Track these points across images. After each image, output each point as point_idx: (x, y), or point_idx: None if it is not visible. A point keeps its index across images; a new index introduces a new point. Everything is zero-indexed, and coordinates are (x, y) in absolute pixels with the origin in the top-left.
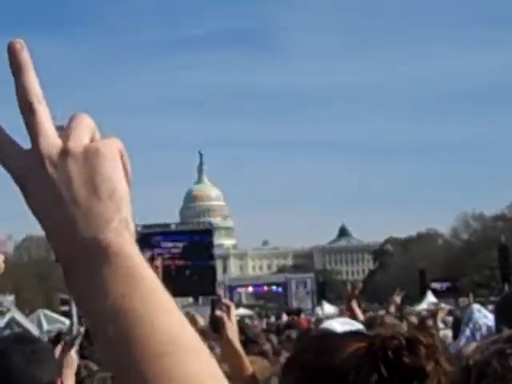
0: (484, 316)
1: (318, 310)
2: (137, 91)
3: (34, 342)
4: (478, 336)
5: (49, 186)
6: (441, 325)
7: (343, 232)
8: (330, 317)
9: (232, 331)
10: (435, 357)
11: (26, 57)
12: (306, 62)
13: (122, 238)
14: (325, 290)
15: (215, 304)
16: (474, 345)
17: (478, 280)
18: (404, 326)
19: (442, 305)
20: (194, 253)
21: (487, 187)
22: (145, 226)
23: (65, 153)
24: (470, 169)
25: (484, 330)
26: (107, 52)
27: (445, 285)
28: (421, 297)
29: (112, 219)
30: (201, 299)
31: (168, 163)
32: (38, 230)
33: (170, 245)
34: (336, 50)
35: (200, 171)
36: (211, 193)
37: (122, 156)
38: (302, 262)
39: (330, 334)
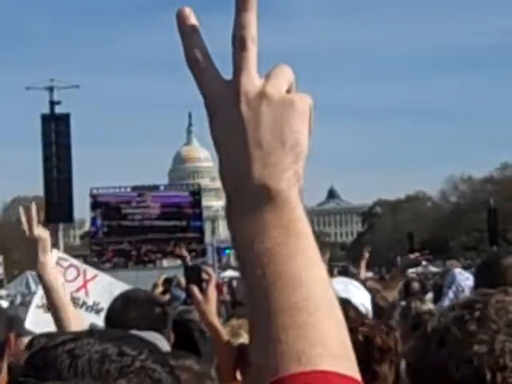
0: (466, 278)
1: None
2: (126, 51)
3: None
4: (461, 298)
5: (237, 120)
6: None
7: (332, 194)
8: None
9: (212, 301)
10: (389, 358)
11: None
12: (297, 24)
13: (292, 190)
14: None
15: (190, 271)
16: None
17: (467, 243)
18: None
19: (430, 267)
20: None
21: (476, 150)
22: (134, 188)
23: (262, 95)
24: (459, 131)
25: (467, 291)
26: (96, 10)
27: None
28: None
29: (288, 169)
30: (189, 260)
31: (157, 124)
32: (26, 191)
33: (158, 205)
34: (326, 12)
35: (189, 132)
36: (200, 154)
37: (310, 114)
38: None
39: None
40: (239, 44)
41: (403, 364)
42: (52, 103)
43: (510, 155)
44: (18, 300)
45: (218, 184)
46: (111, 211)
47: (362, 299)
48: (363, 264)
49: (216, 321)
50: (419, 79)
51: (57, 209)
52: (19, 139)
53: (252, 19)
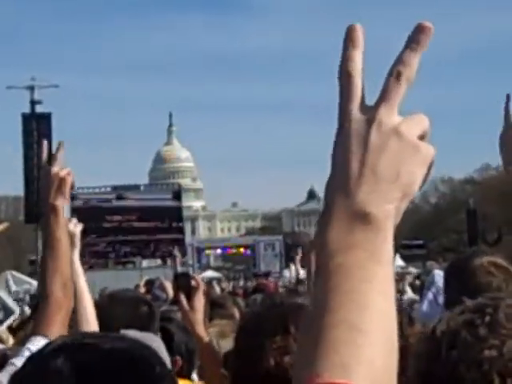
0: None
1: (286, 273)
2: (108, 51)
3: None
4: (440, 300)
5: (363, 143)
6: (408, 289)
7: (312, 195)
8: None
9: (198, 310)
10: None
11: (425, 39)
12: (280, 22)
13: (389, 222)
14: (293, 252)
15: (180, 278)
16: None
17: (446, 244)
18: None
19: (410, 268)
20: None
21: (457, 151)
22: (114, 188)
23: (395, 130)
24: (439, 132)
25: None
26: (78, 10)
27: (413, 246)
28: None
29: (392, 202)
30: (169, 261)
31: (138, 124)
32: (6, 191)
33: (138, 206)
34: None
35: (169, 132)
36: (180, 154)
37: (430, 165)
38: (271, 224)
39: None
40: (395, 76)
41: None
42: (33, 102)
43: (490, 156)
44: None
45: (199, 184)
46: (90, 211)
47: None
48: None
49: (202, 330)
50: None
51: (37, 208)
52: (1, 138)
53: (415, 61)
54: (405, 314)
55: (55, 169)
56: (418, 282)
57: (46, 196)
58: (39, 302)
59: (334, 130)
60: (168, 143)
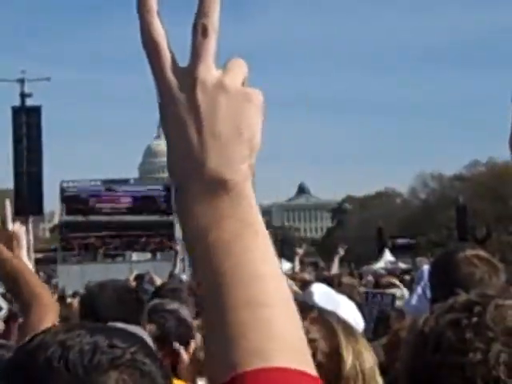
0: None
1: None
2: (99, 45)
3: None
4: (429, 294)
5: (192, 109)
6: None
7: (302, 189)
8: (286, 274)
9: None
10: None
11: None
12: (267, 17)
13: (247, 182)
14: (283, 247)
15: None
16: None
17: (436, 239)
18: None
19: (400, 263)
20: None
21: (447, 147)
22: (104, 181)
23: (219, 85)
24: (430, 128)
25: None
26: (68, 3)
27: (403, 243)
28: (378, 255)
29: (243, 162)
30: (159, 255)
31: (128, 119)
32: None
33: (128, 199)
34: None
35: (160, 127)
36: None
37: (263, 110)
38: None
39: None
40: (200, 31)
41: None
42: (23, 95)
43: (479, 153)
44: None
45: None
46: (80, 205)
47: (350, 310)
48: (337, 260)
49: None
50: (391, 76)
51: (27, 201)
52: None
53: (215, 8)
54: (393, 308)
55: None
56: (407, 278)
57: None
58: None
59: (324, 126)
60: (158, 137)
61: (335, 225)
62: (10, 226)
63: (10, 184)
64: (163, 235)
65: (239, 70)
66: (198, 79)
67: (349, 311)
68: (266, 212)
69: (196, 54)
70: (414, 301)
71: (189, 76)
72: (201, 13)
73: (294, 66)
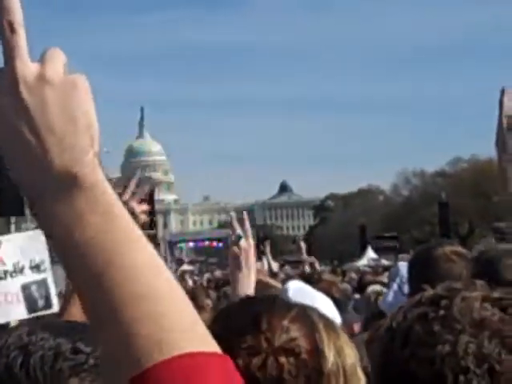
0: None
1: (258, 266)
2: (81, 45)
3: None
4: (405, 289)
5: (21, 109)
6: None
7: (284, 188)
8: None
9: None
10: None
11: None
12: (259, 19)
13: (97, 172)
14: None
15: None
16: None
17: (418, 236)
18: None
19: (382, 261)
20: None
21: (429, 144)
22: None
23: (41, 78)
24: (412, 125)
25: None
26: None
27: (386, 240)
28: (361, 252)
29: (87, 152)
30: None
31: (109, 118)
32: None
33: None
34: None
35: (141, 126)
36: (152, 148)
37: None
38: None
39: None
40: (8, 28)
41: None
42: None
43: (461, 149)
44: None
45: (171, 177)
46: None
47: (326, 306)
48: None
49: None
50: (372, 74)
51: (9, 202)
52: None
53: (16, 4)
54: (370, 308)
55: None
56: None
57: None
58: None
59: (306, 124)
60: (139, 137)
61: (318, 222)
62: None
63: None
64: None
65: (58, 59)
66: (19, 77)
67: (325, 306)
68: (249, 210)
69: (9, 53)
70: (390, 297)
71: (7, 76)
72: (3, 10)
73: (277, 66)
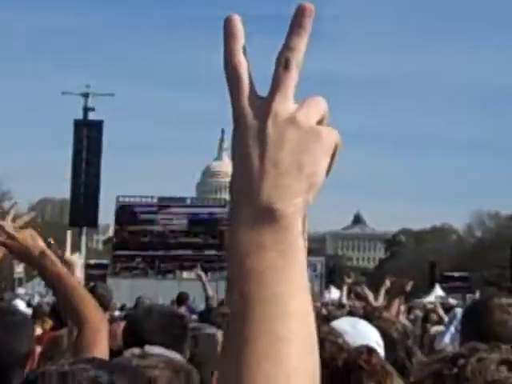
0: None
1: (326, 294)
2: (163, 65)
3: (13, 314)
4: None
5: (260, 137)
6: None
7: (358, 219)
8: (334, 302)
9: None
10: (377, 379)
11: (307, 21)
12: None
13: (297, 217)
14: (334, 274)
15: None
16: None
17: (488, 278)
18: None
19: (450, 299)
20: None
21: (506, 186)
22: (160, 198)
23: (291, 120)
24: (490, 166)
25: None
26: (136, 22)
27: (456, 279)
28: (429, 289)
29: (298, 196)
30: (210, 274)
31: (188, 138)
32: (53, 193)
33: (184, 221)
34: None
35: (220, 148)
36: (229, 170)
37: (335, 150)
38: (315, 245)
39: None
40: (283, 64)
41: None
42: (86, 109)
43: None
44: (36, 300)
45: None
46: (134, 221)
47: (374, 337)
48: (383, 291)
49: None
50: (453, 112)
51: (82, 213)
52: (52, 142)
53: (302, 45)
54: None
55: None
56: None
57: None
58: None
59: (384, 158)
60: (218, 158)
61: (388, 256)
62: (67, 254)
63: (65, 194)
64: (213, 255)
65: (316, 107)
66: (272, 110)
67: (373, 337)
68: (321, 239)
69: (275, 86)
70: (447, 339)
71: (264, 106)
72: (287, 46)
73: (364, 99)
